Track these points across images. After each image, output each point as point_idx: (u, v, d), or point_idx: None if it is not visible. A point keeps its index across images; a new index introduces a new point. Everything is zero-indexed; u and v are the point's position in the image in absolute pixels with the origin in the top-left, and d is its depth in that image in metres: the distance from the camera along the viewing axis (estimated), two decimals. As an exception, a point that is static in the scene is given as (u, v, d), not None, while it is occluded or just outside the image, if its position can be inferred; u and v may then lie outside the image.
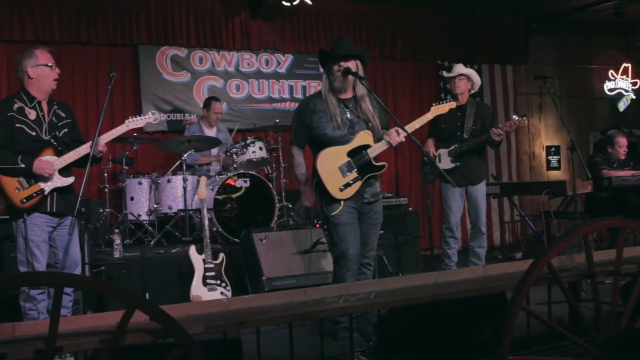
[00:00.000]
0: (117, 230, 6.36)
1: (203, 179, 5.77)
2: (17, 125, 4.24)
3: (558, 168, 10.80)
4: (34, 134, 4.29)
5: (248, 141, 7.04)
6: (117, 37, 7.83)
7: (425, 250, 8.02)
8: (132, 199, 6.96)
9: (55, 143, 4.37)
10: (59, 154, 4.36)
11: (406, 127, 4.52)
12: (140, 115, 4.75)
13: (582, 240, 2.83)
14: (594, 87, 11.33)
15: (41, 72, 4.36)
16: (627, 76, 11.28)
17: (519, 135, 10.38)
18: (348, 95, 4.64)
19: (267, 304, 2.97)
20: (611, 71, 11.24)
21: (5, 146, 4.22)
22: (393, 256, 6.72)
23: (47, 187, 4.30)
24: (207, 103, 7.57)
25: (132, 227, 6.95)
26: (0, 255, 5.66)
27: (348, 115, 4.59)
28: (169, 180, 6.93)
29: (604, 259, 3.38)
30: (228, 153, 7.04)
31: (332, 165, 4.52)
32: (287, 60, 8.87)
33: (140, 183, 6.98)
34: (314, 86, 8.62)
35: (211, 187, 6.59)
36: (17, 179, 4.25)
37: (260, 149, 7.10)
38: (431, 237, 6.18)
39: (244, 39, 8.49)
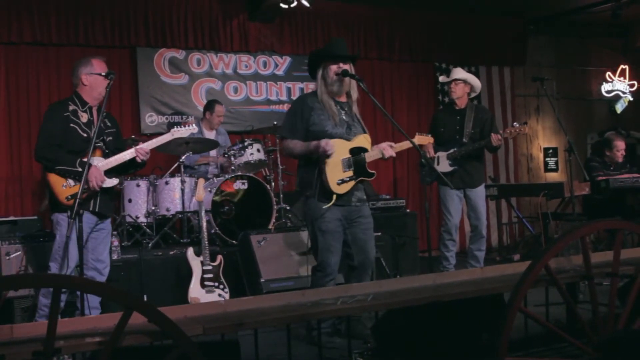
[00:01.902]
0: (115, 232, 6.34)
1: (201, 181, 5.77)
2: (71, 125, 4.48)
3: (556, 170, 10.81)
4: (85, 135, 4.51)
5: (246, 143, 7.03)
6: (115, 39, 7.83)
7: (423, 252, 8.04)
8: (130, 201, 6.95)
9: (103, 146, 4.60)
10: (105, 156, 4.57)
11: (394, 146, 4.64)
12: (184, 126, 5.09)
13: (580, 241, 2.84)
14: (592, 88, 11.34)
15: (94, 80, 4.57)
16: (625, 78, 11.30)
17: (516, 137, 10.37)
18: (342, 99, 4.64)
19: (265, 305, 2.97)
20: (608, 73, 11.26)
21: (61, 145, 4.44)
22: (391, 258, 6.72)
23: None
24: (211, 106, 7.54)
25: (130, 229, 6.93)
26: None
27: (344, 117, 4.59)
28: (166, 182, 6.92)
29: (601, 261, 3.39)
30: (226, 155, 7.04)
31: (336, 155, 4.49)
32: (285, 62, 8.88)
33: (138, 185, 6.97)
34: (312, 88, 8.58)
35: (209, 189, 6.59)
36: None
37: (258, 151, 7.09)
38: (429, 239, 6.19)
39: (242, 41, 8.49)
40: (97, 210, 4.51)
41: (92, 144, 4.23)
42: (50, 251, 4.58)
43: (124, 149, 4.68)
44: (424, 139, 5.18)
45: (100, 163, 4.51)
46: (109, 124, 4.73)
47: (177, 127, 5.04)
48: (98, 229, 4.59)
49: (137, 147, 4.62)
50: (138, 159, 4.60)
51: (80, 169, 4.35)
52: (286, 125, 4.67)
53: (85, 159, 4.39)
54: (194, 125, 5.22)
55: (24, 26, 7.38)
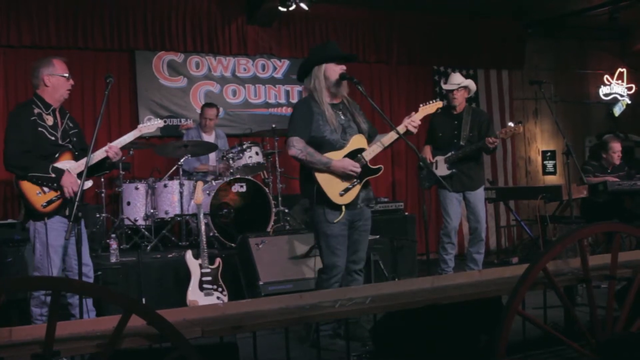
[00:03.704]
0: (113, 235, 6.35)
1: (200, 184, 5.77)
2: (39, 129, 4.38)
3: (554, 173, 10.82)
4: (53, 138, 4.43)
5: (244, 146, 7.04)
6: (114, 42, 7.83)
7: (422, 254, 8.03)
8: (128, 203, 6.96)
9: (72, 148, 4.52)
10: (76, 158, 4.48)
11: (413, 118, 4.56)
12: (150, 121, 4.97)
13: (578, 244, 2.84)
14: (590, 91, 11.35)
15: (56, 81, 4.50)
16: (622, 81, 11.31)
17: (514, 140, 10.42)
18: (338, 100, 4.65)
19: (264, 308, 2.98)
20: (606, 76, 11.28)
21: (31, 150, 4.34)
22: (389, 261, 6.72)
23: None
24: (201, 109, 7.62)
25: (129, 231, 6.94)
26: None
27: (342, 118, 4.59)
28: (165, 185, 6.92)
29: (599, 264, 3.39)
30: (224, 158, 7.04)
31: None
32: (283, 65, 8.89)
33: (136, 188, 6.98)
34: (310, 91, 8.63)
35: (208, 192, 6.59)
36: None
37: (257, 153, 7.09)
38: (427, 242, 6.18)
39: (241, 44, 8.50)
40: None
41: (93, 138, 4.09)
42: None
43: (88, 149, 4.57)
44: (427, 109, 4.83)
45: (72, 166, 4.42)
46: (71, 124, 4.62)
47: (143, 123, 4.95)
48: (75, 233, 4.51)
49: (108, 146, 4.50)
50: (110, 160, 4.50)
51: (53, 175, 4.30)
52: (295, 124, 4.56)
53: (56, 164, 4.35)
54: (159, 119, 5.10)
55: (22, 29, 7.38)
